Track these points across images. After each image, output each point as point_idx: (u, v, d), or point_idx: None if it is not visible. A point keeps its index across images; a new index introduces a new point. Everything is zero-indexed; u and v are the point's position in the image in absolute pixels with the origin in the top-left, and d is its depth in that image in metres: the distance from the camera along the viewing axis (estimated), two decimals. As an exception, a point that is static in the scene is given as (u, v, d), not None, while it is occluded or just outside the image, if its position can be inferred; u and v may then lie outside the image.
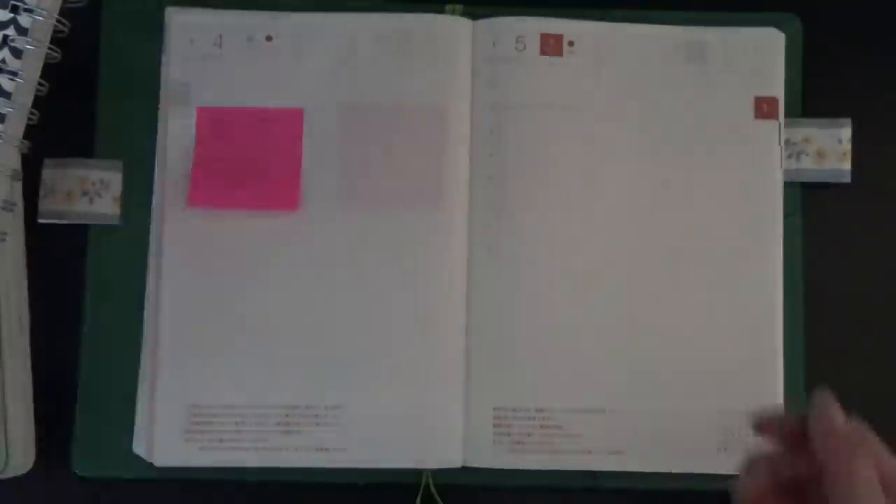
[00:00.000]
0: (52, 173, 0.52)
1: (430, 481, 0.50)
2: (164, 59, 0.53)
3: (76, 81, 0.52)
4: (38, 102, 0.49)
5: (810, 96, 0.54)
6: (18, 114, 0.48)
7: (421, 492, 0.50)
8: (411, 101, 0.52)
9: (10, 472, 0.49)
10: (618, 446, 0.51)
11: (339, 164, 0.52)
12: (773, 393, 0.51)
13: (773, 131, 0.53)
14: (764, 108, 0.53)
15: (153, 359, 0.51)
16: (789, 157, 0.53)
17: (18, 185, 0.50)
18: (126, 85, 0.53)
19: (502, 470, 0.51)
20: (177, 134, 0.52)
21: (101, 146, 0.53)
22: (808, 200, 0.53)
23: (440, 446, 0.50)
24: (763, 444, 0.40)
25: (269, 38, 0.53)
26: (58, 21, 0.49)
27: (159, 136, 0.52)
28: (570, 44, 0.53)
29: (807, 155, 0.53)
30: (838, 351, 0.53)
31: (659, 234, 0.52)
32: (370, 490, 0.51)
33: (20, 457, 0.49)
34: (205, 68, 0.52)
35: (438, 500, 0.50)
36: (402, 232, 0.51)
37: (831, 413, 0.38)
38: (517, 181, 0.52)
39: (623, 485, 0.51)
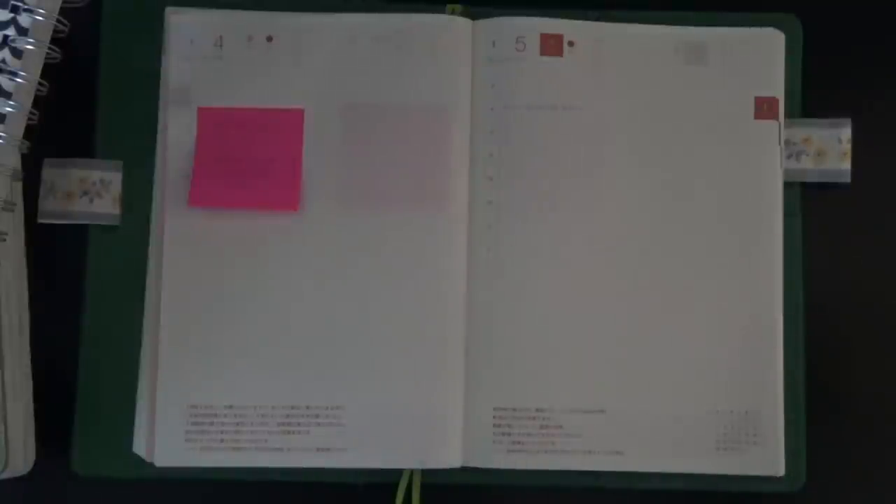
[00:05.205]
0: (52, 173, 0.52)
1: (415, 482, 0.51)
2: (164, 59, 0.53)
3: (76, 81, 0.52)
4: (38, 102, 0.49)
5: (810, 96, 0.54)
6: (18, 114, 0.48)
7: (402, 492, 0.50)
8: (411, 102, 0.52)
9: (10, 472, 0.49)
10: (618, 446, 0.51)
11: (339, 165, 0.52)
12: (773, 393, 0.51)
13: (773, 131, 0.53)
14: (764, 108, 0.53)
15: (153, 359, 0.51)
16: (789, 157, 0.53)
17: (18, 185, 0.50)
18: (126, 85, 0.53)
19: (502, 470, 0.51)
20: (177, 134, 0.52)
21: (101, 146, 0.53)
22: (808, 200, 0.53)
23: (440, 446, 0.50)
24: None
25: (269, 38, 0.53)
26: (58, 21, 0.49)
27: (159, 136, 0.52)
28: (570, 44, 0.53)
29: (807, 155, 0.53)
30: (838, 351, 0.53)
31: (658, 233, 0.52)
32: (370, 490, 0.51)
33: (20, 457, 0.49)
34: (205, 68, 0.52)
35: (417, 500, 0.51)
36: (402, 232, 0.51)
37: None
38: (517, 181, 0.52)
39: (623, 485, 0.51)
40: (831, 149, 0.53)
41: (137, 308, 0.51)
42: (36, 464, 0.50)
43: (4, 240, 0.49)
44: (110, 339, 0.51)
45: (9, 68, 0.47)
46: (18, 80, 0.47)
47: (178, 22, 0.53)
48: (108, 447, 0.51)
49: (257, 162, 0.52)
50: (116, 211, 0.52)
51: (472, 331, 0.51)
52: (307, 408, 0.50)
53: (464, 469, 0.51)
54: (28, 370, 0.51)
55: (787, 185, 0.53)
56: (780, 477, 0.51)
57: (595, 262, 0.52)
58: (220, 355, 0.51)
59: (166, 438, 0.50)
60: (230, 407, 0.50)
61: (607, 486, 0.51)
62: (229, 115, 0.52)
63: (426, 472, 0.51)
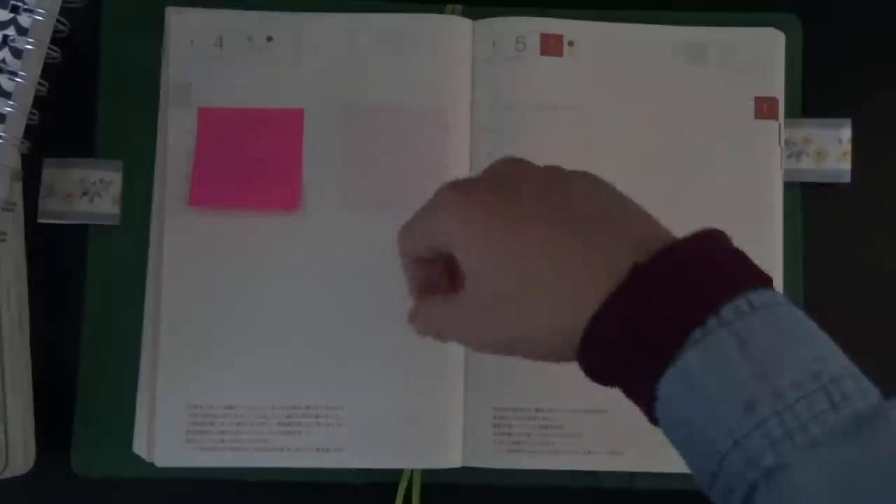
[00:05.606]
0: (52, 173, 0.52)
1: (415, 482, 0.51)
2: (164, 59, 0.53)
3: (76, 81, 0.52)
4: (38, 102, 0.49)
5: (810, 96, 0.54)
6: (18, 114, 0.48)
7: (402, 492, 0.51)
8: (411, 102, 0.52)
9: (10, 472, 0.49)
10: (618, 446, 0.51)
11: (339, 165, 0.52)
12: (773, 393, 0.51)
13: (773, 131, 0.53)
14: (764, 108, 0.53)
15: (153, 359, 0.51)
16: (789, 157, 0.53)
17: (18, 185, 0.50)
18: (126, 85, 0.53)
19: (502, 470, 0.51)
20: (177, 134, 0.52)
21: (101, 146, 0.53)
22: (808, 200, 0.53)
23: (440, 446, 0.50)
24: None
25: (269, 38, 0.53)
26: (58, 21, 0.49)
27: (159, 136, 0.52)
28: (570, 44, 0.53)
29: (807, 155, 0.53)
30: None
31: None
32: (370, 490, 0.51)
33: (20, 457, 0.49)
34: (205, 68, 0.52)
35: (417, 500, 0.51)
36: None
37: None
38: (517, 181, 0.52)
39: (623, 485, 0.51)
40: (831, 149, 0.53)
41: (137, 308, 0.51)
42: (36, 464, 0.50)
43: (4, 240, 0.49)
44: (110, 339, 0.51)
45: (9, 68, 0.47)
46: (18, 80, 0.47)
47: (178, 22, 0.53)
48: (108, 447, 0.51)
49: (257, 162, 0.52)
50: (116, 211, 0.52)
51: (472, 331, 0.51)
52: (307, 408, 0.50)
53: (464, 469, 0.50)
54: (28, 370, 0.51)
55: (787, 185, 0.53)
56: (780, 477, 0.51)
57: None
58: (220, 355, 0.50)
59: (167, 438, 0.50)
60: (230, 407, 0.50)
61: (607, 486, 0.51)
62: (229, 115, 0.52)
63: (426, 472, 0.51)
